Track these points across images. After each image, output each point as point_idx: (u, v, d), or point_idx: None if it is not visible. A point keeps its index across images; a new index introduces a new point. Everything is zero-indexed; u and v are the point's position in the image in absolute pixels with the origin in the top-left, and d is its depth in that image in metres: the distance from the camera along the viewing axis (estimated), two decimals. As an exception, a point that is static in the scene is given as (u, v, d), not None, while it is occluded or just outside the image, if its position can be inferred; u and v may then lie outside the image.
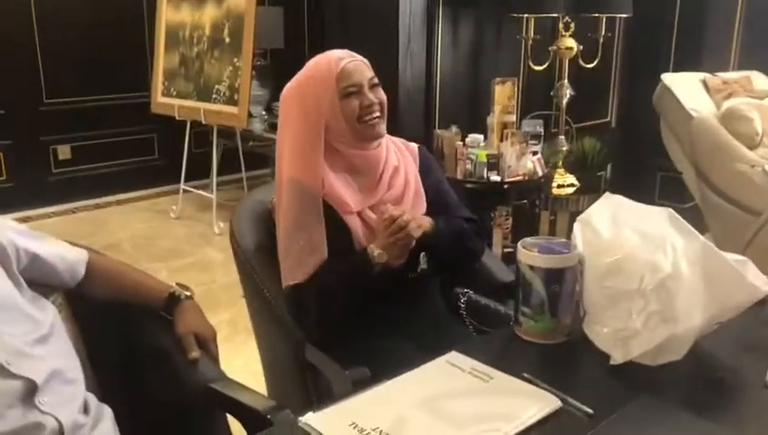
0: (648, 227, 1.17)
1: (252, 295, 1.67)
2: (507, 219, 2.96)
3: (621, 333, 1.16)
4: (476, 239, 1.72)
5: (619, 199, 1.26)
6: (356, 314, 1.51)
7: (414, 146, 1.72)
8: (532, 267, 1.22)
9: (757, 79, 3.66)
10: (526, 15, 3.00)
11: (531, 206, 3.35)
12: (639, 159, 4.22)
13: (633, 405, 1.08)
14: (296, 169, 1.52)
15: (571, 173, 3.33)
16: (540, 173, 2.87)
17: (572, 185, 3.33)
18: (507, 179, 2.78)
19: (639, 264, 1.15)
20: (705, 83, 3.59)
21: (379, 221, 1.51)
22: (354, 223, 1.54)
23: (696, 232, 1.16)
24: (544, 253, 1.23)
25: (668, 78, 3.57)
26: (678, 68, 4.03)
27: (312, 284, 1.49)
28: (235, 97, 3.88)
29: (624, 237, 1.18)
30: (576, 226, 1.24)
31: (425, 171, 1.68)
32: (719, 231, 3.18)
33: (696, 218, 3.25)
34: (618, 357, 1.15)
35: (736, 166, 2.93)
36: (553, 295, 1.22)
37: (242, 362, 2.12)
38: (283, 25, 4.33)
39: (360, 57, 1.57)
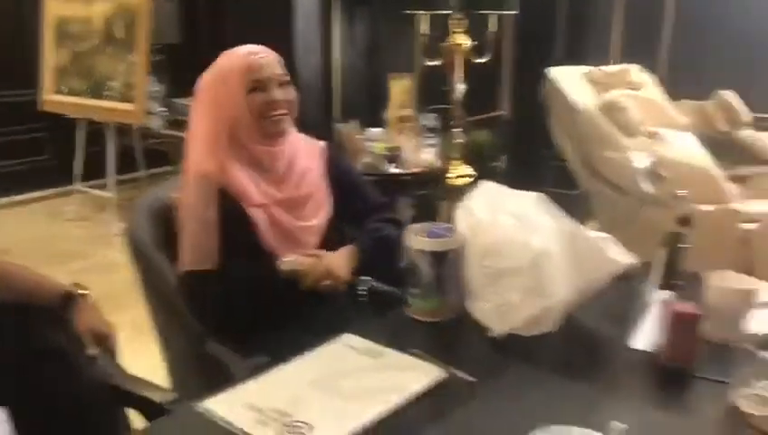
0: (521, 211, 1.28)
1: (150, 292, 1.67)
2: (409, 210, 3.06)
3: (500, 307, 1.27)
4: (397, 236, 1.63)
5: (495, 186, 1.36)
6: (259, 312, 1.53)
7: (321, 144, 1.73)
8: (419, 251, 1.31)
9: (635, 72, 3.93)
10: (419, 12, 3.10)
11: (431, 196, 3.47)
12: (533, 149, 4.42)
13: (512, 372, 1.19)
14: (202, 160, 1.53)
15: (468, 164, 3.46)
16: (437, 164, 2.98)
17: (469, 175, 3.47)
18: (406, 171, 2.88)
19: (515, 244, 1.26)
20: (588, 76, 3.82)
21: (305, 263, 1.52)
22: (259, 217, 1.55)
23: (562, 213, 1.27)
24: (430, 237, 1.31)
25: (554, 72, 3.77)
26: (565, 62, 4.25)
27: (213, 280, 1.51)
28: (131, 94, 3.80)
29: (500, 221, 1.28)
30: (457, 211, 1.33)
31: (333, 165, 1.71)
32: (605, 215, 3.41)
33: (584, 205, 3.48)
34: (498, 329, 1.25)
35: (613, 154, 3.14)
36: (439, 276, 1.31)
37: (146, 362, 2.10)
38: (178, 20, 4.26)
39: (273, 54, 1.58)
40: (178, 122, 3.83)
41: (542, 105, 3.83)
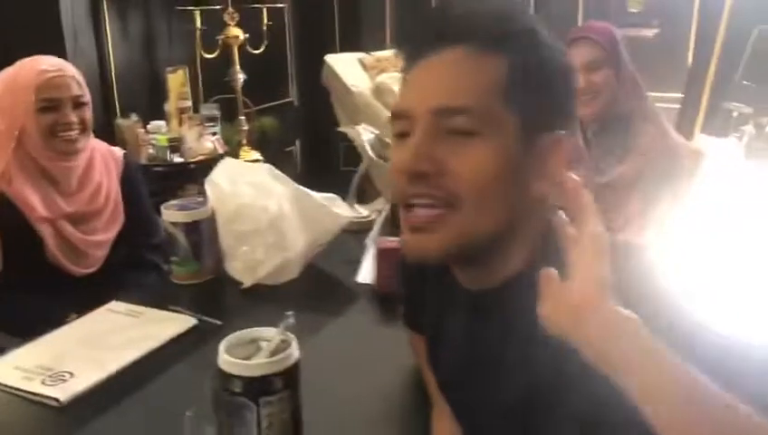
0: (257, 180, 1.52)
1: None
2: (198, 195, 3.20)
3: (249, 263, 1.50)
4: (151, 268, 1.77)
5: (234, 162, 1.60)
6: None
7: (119, 154, 1.78)
8: (174, 223, 1.50)
9: (404, 55, 4.33)
10: (192, 8, 3.24)
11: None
12: (323, 131, 4.71)
13: (256, 313, 1.40)
14: None
15: (255, 150, 3.67)
16: (220, 151, 3.15)
17: (258, 160, 3.68)
18: (190, 160, 3.02)
19: (255, 208, 1.49)
20: (361, 62, 4.17)
21: None
22: (46, 231, 1.58)
23: (290, 180, 1.53)
24: (182, 211, 1.51)
25: (331, 58, 4.08)
26: (343, 48, 4.59)
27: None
28: None
29: (241, 190, 1.51)
30: (206, 185, 1.54)
31: (127, 180, 1.76)
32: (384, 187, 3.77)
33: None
34: (247, 281, 1.49)
35: (348, 129, 3.48)
36: (195, 243, 1.51)
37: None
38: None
39: (71, 72, 1.59)
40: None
41: (325, 90, 4.13)
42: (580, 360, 0.62)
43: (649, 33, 4.16)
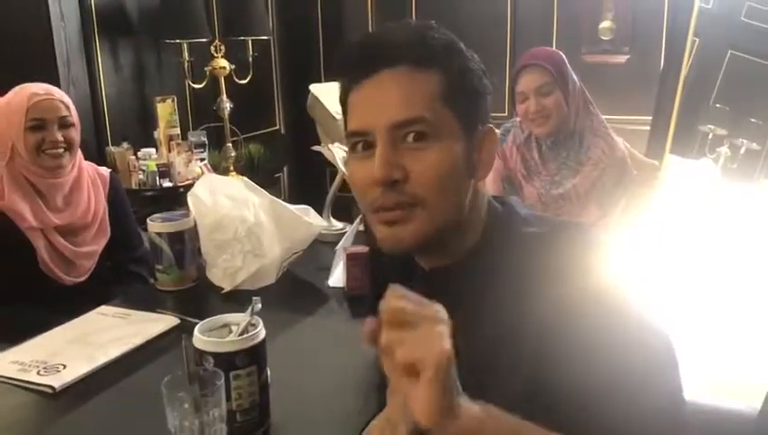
0: (235, 193, 1.66)
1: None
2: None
3: (228, 270, 1.63)
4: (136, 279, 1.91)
5: (214, 176, 1.74)
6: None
7: (105, 173, 1.94)
8: (159, 234, 1.63)
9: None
10: (179, 41, 3.40)
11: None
12: (310, 159, 4.85)
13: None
14: None
15: (241, 175, 3.81)
16: (208, 176, 3.27)
17: (245, 185, 3.81)
18: (179, 184, 3.16)
19: (233, 219, 1.62)
20: (344, 90, 4.33)
21: None
22: (37, 241, 1.73)
23: (265, 191, 1.66)
24: (166, 222, 1.64)
25: (315, 88, 4.22)
26: (327, 78, 4.76)
27: None
28: None
29: (220, 202, 1.64)
30: (188, 198, 1.67)
31: (114, 197, 1.92)
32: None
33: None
34: (227, 286, 1.61)
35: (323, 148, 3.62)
36: (178, 252, 1.64)
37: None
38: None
39: (59, 96, 1.75)
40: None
41: (310, 118, 4.28)
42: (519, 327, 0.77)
43: (621, 59, 4.35)
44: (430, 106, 0.83)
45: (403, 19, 4.58)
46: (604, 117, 2.00)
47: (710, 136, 4.02)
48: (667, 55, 4.14)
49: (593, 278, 0.79)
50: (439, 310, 0.66)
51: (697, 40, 3.95)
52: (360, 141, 0.87)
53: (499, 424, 0.69)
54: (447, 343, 0.63)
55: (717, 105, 4.01)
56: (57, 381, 1.20)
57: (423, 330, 0.64)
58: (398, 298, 0.66)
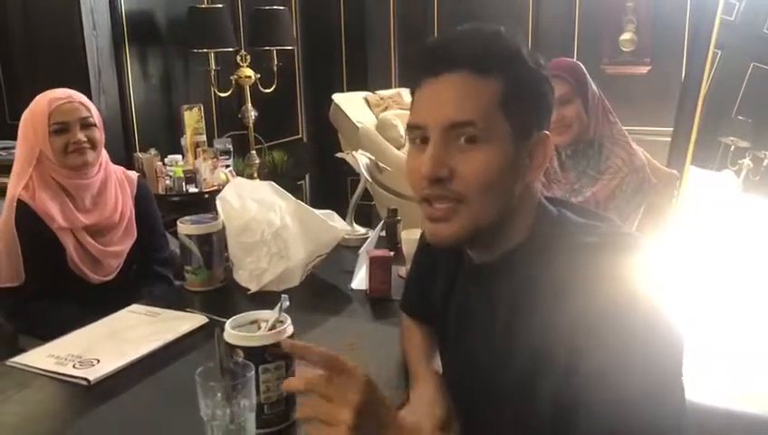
0: (262, 197, 1.70)
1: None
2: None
3: (254, 272, 1.67)
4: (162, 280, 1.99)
5: (242, 180, 1.78)
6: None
7: (133, 176, 2.01)
8: (188, 236, 1.68)
9: (407, 94, 4.54)
10: (206, 51, 3.48)
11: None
12: (332, 167, 4.92)
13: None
14: (13, 185, 1.80)
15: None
16: (232, 182, 3.34)
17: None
18: (205, 190, 3.23)
19: (260, 222, 1.67)
20: (366, 100, 4.39)
21: None
22: (67, 240, 1.81)
23: (291, 196, 1.71)
24: (196, 224, 1.70)
25: (338, 97, 4.30)
26: (350, 88, 4.83)
27: (19, 294, 1.78)
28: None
29: (248, 205, 1.69)
30: (217, 201, 1.72)
31: (141, 199, 1.99)
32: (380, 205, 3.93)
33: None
34: (253, 287, 1.66)
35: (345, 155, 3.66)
36: (206, 254, 1.69)
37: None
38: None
39: (80, 99, 1.83)
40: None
41: (333, 127, 4.35)
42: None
43: (642, 70, 4.36)
44: (485, 111, 0.88)
45: (425, 29, 4.66)
46: (625, 128, 2.02)
47: (732, 148, 4.01)
48: (689, 67, 4.14)
49: (627, 289, 0.82)
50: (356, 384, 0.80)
51: (720, 52, 3.95)
52: (418, 135, 0.92)
53: None
54: (350, 417, 0.77)
55: (740, 117, 4.00)
56: (92, 374, 1.25)
57: (334, 403, 0.79)
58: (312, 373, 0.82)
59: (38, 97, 1.83)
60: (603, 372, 0.79)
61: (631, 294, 0.81)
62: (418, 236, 1.76)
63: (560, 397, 0.83)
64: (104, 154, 1.90)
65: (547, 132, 0.93)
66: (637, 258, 0.86)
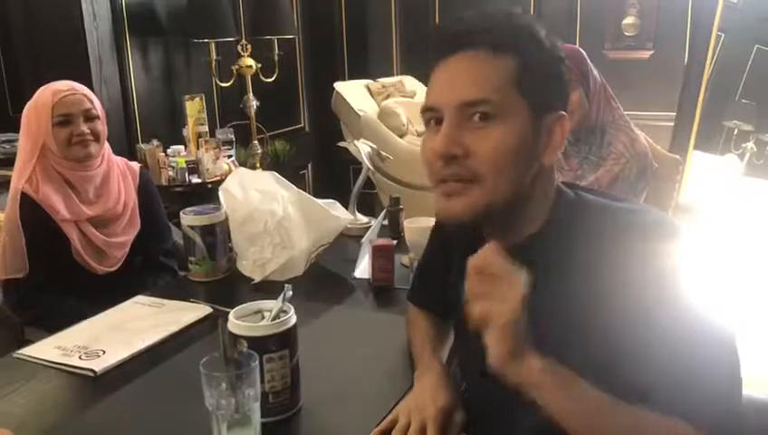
0: (265, 187, 1.71)
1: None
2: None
3: (258, 262, 1.68)
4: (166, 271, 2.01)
5: (244, 171, 1.78)
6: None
7: (136, 167, 2.01)
8: (191, 227, 1.69)
9: (409, 81, 4.55)
10: (207, 41, 3.47)
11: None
12: (334, 156, 4.92)
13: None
14: (17, 178, 1.81)
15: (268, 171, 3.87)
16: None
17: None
18: (208, 180, 3.23)
19: (263, 212, 1.68)
20: (368, 88, 4.39)
21: None
22: (71, 232, 1.81)
23: (293, 186, 1.71)
24: (199, 215, 1.70)
25: (340, 86, 4.30)
26: (351, 76, 4.82)
27: (31, 289, 1.79)
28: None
29: (250, 196, 1.69)
30: (220, 192, 1.73)
31: (144, 190, 2.00)
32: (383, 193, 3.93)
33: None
34: (256, 277, 1.67)
35: (348, 144, 3.65)
36: (210, 245, 1.69)
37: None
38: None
39: (83, 91, 1.83)
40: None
41: (335, 116, 4.34)
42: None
43: (645, 54, 4.34)
44: (500, 89, 0.87)
45: (427, 15, 4.64)
46: (628, 113, 2.01)
47: (735, 132, 3.99)
48: (692, 51, 4.13)
49: (652, 268, 0.82)
50: (520, 274, 0.79)
51: (723, 35, 3.92)
52: (432, 117, 0.92)
53: (557, 378, 0.81)
54: (518, 305, 0.78)
55: (743, 100, 3.98)
56: (98, 365, 1.26)
57: (502, 288, 0.79)
58: (492, 253, 0.81)
59: (41, 89, 1.83)
60: (673, 328, 0.80)
61: (681, 269, 0.83)
62: (421, 225, 1.78)
63: (586, 376, 0.82)
64: (107, 146, 1.91)
65: (564, 113, 0.93)
66: (655, 237, 0.86)
